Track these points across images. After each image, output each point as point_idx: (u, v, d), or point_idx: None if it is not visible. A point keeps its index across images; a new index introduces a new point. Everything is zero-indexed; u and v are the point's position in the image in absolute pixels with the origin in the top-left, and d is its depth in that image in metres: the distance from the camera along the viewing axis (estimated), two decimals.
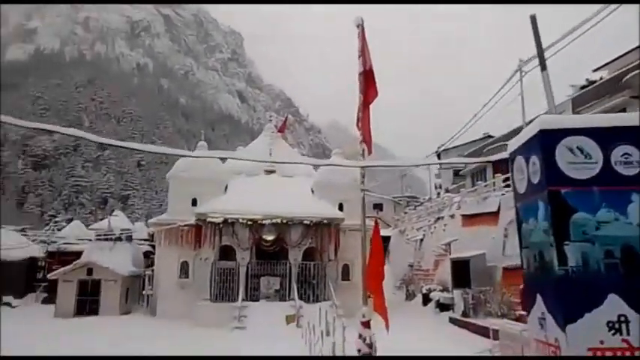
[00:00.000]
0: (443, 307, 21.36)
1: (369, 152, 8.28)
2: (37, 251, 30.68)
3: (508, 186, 21.67)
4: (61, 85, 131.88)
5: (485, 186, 22.97)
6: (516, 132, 22.40)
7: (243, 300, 19.18)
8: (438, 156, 47.83)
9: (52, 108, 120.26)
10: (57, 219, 67.22)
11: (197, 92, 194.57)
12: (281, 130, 28.54)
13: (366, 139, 8.24)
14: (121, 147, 3.86)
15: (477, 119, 26.62)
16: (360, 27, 8.33)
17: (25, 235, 33.36)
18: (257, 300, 19.86)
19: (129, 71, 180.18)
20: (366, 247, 8.57)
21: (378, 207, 50.82)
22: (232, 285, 20.20)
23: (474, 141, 43.42)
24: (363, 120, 8.26)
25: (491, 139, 32.84)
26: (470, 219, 22.78)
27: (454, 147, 45.50)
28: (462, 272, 19.39)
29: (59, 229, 35.32)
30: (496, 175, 21.66)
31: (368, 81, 8.29)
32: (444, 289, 22.36)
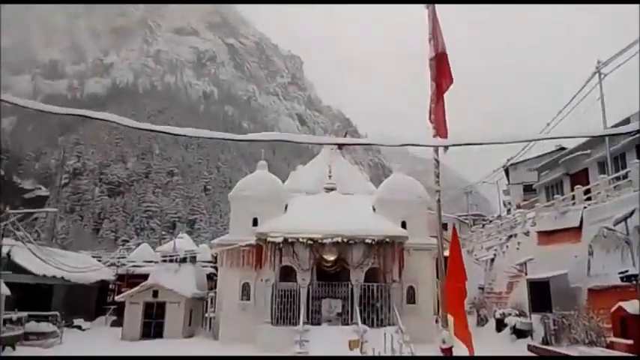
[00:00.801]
0: (520, 333, 19.60)
1: (445, 149, 7.21)
2: (108, 274, 31.73)
3: (590, 199, 19.73)
4: (135, 116, 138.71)
5: (563, 199, 21.08)
6: (599, 139, 20.37)
7: (304, 323, 18.52)
8: (506, 171, 45.40)
9: (126, 137, 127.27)
10: (129, 243, 70.38)
11: (259, 117, 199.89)
12: (341, 146, 28.02)
13: (441, 133, 7.17)
14: (145, 130, 3.50)
15: (551, 128, 24.83)
16: (431, 7, 7.41)
17: (97, 258, 34.72)
18: (319, 323, 19.13)
19: (196, 99, 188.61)
20: (441, 262, 7.52)
21: (442, 226, 48.68)
22: (293, 307, 19.61)
23: (546, 154, 40.83)
24: (437, 112, 7.20)
25: (564, 151, 30.53)
26: (547, 236, 20.95)
27: (523, 161, 43.03)
28: (541, 295, 17.69)
29: (128, 252, 36.53)
30: (576, 187, 19.81)
31: (441, 66, 7.25)
32: (521, 314, 20.57)
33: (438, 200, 7.60)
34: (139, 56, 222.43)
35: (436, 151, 7.16)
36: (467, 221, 48.56)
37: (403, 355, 15.80)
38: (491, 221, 37.38)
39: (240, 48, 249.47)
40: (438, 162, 7.08)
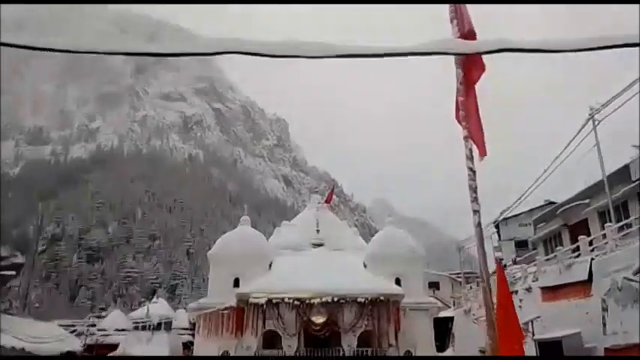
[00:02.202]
0: None
1: (481, 153, 5.68)
2: (76, 344, 28.96)
3: (593, 250, 18.45)
4: (118, 180, 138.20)
5: (566, 251, 19.76)
6: (597, 186, 19.35)
7: None
8: (497, 227, 44.34)
9: (108, 202, 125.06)
10: (105, 311, 66.55)
11: (245, 178, 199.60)
12: (327, 200, 26.82)
13: (474, 133, 5.70)
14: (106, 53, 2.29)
15: (543, 180, 23.96)
16: None
17: (67, 327, 31.93)
18: None
19: (181, 162, 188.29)
20: (490, 295, 5.81)
21: (434, 285, 47.05)
22: None
23: (536, 208, 40.08)
24: (468, 107, 5.77)
25: (561, 202, 29.68)
26: (552, 292, 19.39)
27: (514, 216, 42.15)
28: (552, 356, 15.92)
29: (99, 319, 33.79)
30: (580, 237, 18.57)
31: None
32: None
33: (479, 224, 5.79)
34: (124, 121, 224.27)
35: (470, 159, 5.70)
36: (459, 279, 46.84)
37: None
38: None
39: (226, 112, 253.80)
40: (474, 172, 5.61)
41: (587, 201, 23.21)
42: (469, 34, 5.71)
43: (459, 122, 5.69)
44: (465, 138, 5.65)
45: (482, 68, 5.72)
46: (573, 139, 21.30)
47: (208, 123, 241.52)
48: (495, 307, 5.52)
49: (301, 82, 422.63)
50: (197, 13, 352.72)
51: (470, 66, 5.75)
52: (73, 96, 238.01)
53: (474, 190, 5.54)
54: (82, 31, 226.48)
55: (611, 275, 15.10)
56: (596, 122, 20.73)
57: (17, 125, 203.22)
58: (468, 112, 5.63)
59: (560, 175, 23.09)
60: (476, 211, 5.61)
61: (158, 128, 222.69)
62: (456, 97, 5.81)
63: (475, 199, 5.58)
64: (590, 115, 20.79)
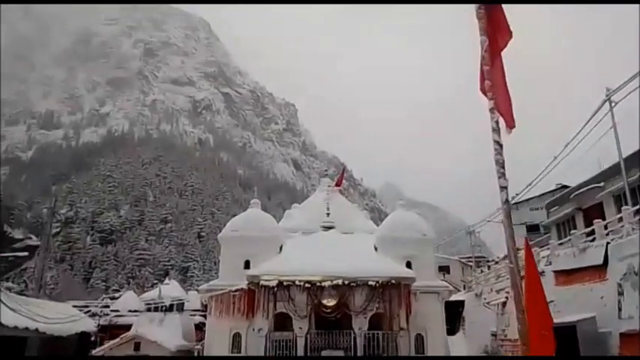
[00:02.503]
0: None
1: (510, 125, 5.35)
2: (90, 325, 29.33)
3: (608, 234, 18.11)
4: (130, 163, 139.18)
5: (581, 235, 19.46)
6: (611, 170, 18.95)
7: None
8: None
9: (120, 185, 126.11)
10: (119, 292, 67.42)
11: (254, 163, 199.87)
12: (338, 183, 26.60)
13: (501, 104, 5.31)
14: None
15: (557, 164, 23.54)
16: None
17: (81, 308, 32.35)
18: None
19: (191, 147, 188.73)
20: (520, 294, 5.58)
21: (445, 269, 46.98)
22: None
23: (547, 192, 39.60)
24: (494, 76, 5.37)
25: (575, 186, 29.21)
26: (566, 275, 19.16)
27: (525, 200, 41.68)
28: (566, 341, 15.73)
29: (112, 300, 34.19)
30: (595, 221, 18.24)
31: (494, 15, 5.47)
32: None
33: (506, 201, 5.53)
34: (135, 105, 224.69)
35: (497, 132, 5.33)
36: (470, 263, 46.67)
37: None
38: (497, 262, 35.44)
39: (235, 96, 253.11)
40: (500, 146, 5.33)
41: (601, 184, 22.80)
42: None
43: (484, 93, 5.37)
44: (491, 110, 5.32)
45: (509, 34, 5.39)
46: (588, 121, 20.83)
47: (217, 107, 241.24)
48: (524, 290, 5.28)
49: (310, 68, 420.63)
50: None
51: (495, 32, 5.42)
52: (82, 80, 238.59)
53: (501, 165, 5.29)
54: None
55: (627, 259, 14.83)
56: (613, 104, 20.25)
57: (28, 110, 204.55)
58: (494, 81, 5.30)
59: (573, 159, 22.68)
60: (503, 188, 5.36)
61: (168, 112, 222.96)
62: (481, 67, 5.47)
63: (502, 175, 5.34)
64: (606, 96, 20.30)
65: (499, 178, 5.28)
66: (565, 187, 36.63)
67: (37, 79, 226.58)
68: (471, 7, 5.38)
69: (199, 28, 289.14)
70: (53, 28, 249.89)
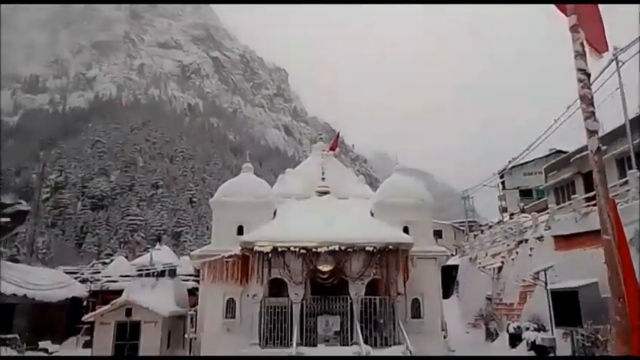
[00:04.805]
0: (540, 350, 17.41)
1: (602, 48, 4.50)
2: (81, 291, 28.97)
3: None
4: (118, 129, 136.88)
5: (582, 200, 19.08)
6: (613, 133, 18.23)
7: (298, 344, 16.13)
8: (502, 177, 43.61)
9: (110, 150, 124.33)
10: (111, 257, 67.08)
11: (245, 129, 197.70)
12: (333, 147, 25.85)
13: (591, 30, 4.33)
14: None
15: (563, 121, 22.97)
16: None
17: (73, 273, 31.86)
18: (314, 344, 16.74)
19: (181, 112, 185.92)
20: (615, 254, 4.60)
21: (437, 234, 46.82)
22: (285, 326, 17.20)
23: (542, 157, 39.22)
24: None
25: (564, 154, 28.78)
26: (566, 240, 18.89)
27: (519, 165, 41.30)
28: (568, 307, 15.51)
29: (103, 266, 33.73)
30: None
31: None
32: (540, 328, 18.41)
33: (598, 149, 4.52)
34: (122, 70, 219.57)
35: (582, 56, 4.29)
36: (462, 228, 46.75)
37: None
38: (490, 227, 35.32)
39: (224, 61, 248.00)
40: (588, 76, 4.38)
41: (604, 148, 22.36)
42: None
43: (563, 12, 4.36)
44: (574, 27, 4.28)
45: None
46: (594, 81, 20.10)
47: (206, 72, 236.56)
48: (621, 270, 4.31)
49: (301, 32, 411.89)
50: None
51: None
52: (66, 44, 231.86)
53: (589, 102, 4.23)
54: None
55: (632, 224, 14.45)
56: (620, 64, 19.54)
57: (12, 74, 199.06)
58: (581, 10, 4.31)
59: (571, 123, 22.10)
60: (593, 132, 4.30)
61: (156, 77, 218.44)
62: None
63: (591, 115, 4.25)
64: (614, 55, 19.54)
65: (586, 119, 4.28)
66: (560, 152, 36.22)
67: (20, 42, 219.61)
68: None
69: None
70: None
